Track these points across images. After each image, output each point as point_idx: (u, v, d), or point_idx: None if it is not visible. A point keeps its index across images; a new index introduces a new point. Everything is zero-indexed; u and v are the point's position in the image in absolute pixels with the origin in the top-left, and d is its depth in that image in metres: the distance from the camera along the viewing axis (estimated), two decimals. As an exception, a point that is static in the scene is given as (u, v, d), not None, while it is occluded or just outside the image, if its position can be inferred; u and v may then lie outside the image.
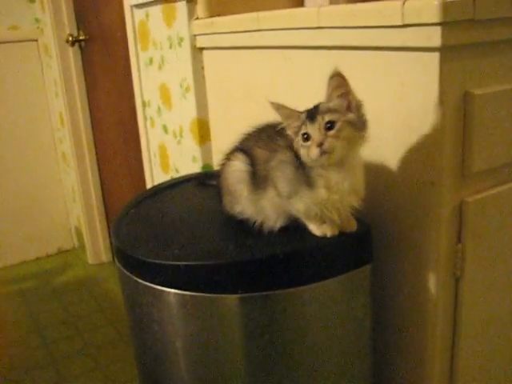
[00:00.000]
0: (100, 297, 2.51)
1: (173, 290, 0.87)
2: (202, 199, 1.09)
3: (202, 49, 1.41)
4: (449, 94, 0.85)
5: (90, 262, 2.89)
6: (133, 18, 1.70)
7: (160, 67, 1.60)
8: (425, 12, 0.80)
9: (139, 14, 1.66)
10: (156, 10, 1.54)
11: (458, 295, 0.96)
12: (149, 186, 1.87)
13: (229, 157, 0.95)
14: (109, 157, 2.57)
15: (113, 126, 2.39)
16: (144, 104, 1.76)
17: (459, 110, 0.86)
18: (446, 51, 0.82)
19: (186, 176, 1.25)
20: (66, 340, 2.19)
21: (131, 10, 1.70)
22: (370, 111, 0.94)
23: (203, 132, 1.47)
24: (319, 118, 0.81)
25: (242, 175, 0.92)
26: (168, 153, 1.67)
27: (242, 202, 0.93)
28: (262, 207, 0.91)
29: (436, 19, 0.78)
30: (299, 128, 0.83)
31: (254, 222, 0.92)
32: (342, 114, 0.82)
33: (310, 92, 1.00)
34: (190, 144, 1.52)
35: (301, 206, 0.86)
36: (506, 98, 0.91)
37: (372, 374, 1.00)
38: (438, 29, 0.79)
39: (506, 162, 0.94)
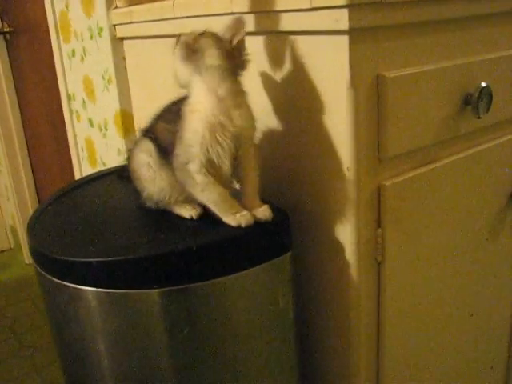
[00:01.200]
0: (37, 297, 2.44)
1: (87, 288, 0.84)
2: (120, 193, 1.06)
3: (122, 39, 1.37)
4: (360, 78, 0.84)
5: (27, 261, 2.81)
6: (53, 9, 1.65)
7: (82, 59, 1.55)
8: (331, -6, 0.78)
9: (59, 4, 1.61)
10: (75, 0, 1.49)
11: (380, 280, 0.96)
12: (78, 181, 1.82)
13: (133, 145, 0.94)
14: (41, 153, 2.50)
15: (43, 121, 2.33)
16: (69, 97, 1.71)
17: (372, 94, 0.86)
18: (355, 34, 0.80)
19: (104, 170, 1.21)
20: (2, 343, 2.13)
21: (51, 1, 1.64)
22: (283, 97, 0.94)
23: (127, 124, 1.43)
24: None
25: (144, 157, 0.91)
26: (95, 147, 1.63)
27: (147, 184, 0.92)
28: (161, 186, 0.91)
29: (342, 1, 0.77)
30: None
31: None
32: None
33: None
34: (115, 137, 1.48)
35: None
36: (418, 81, 0.90)
37: (298, 363, 0.99)
38: (345, 11, 0.78)
39: (421, 144, 0.94)
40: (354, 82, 0.83)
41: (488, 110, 1.00)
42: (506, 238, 1.20)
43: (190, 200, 0.91)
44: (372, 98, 0.86)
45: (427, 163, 0.97)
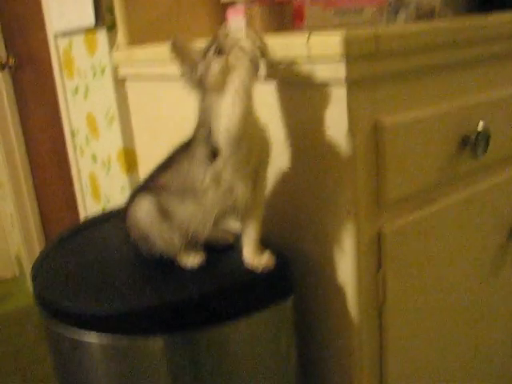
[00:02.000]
0: (41, 326, 2.44)
1: (91, 335, 0.85)
2: (123, 239, 1.06)
3: (124, 78, 1.39)
4: (359, 125, 0.85)
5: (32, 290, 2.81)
6: (57, 47, 1.67)
7: (85, 96, 1.57)
8: (328, 48, 0.80)
9: (63, 42, 1.63)
10: (79, 39, 1.52)
11: (382, 323, 0.97)
12: (82, 215, 1.84)
13: (133, 199, 0.94)
14: (46, 184, 2.52)
15: (48, 153, 2.35)
16: (72, 133, 1.73)
17: (371, 140, 0.87)
18: (352, 84, 0.82)
19: (109, 211, 1.22)
20: (5, 375, 2.13)
21: (55, 39, 1.67)
22: (284, 144, 0.95)
23: (130, 161, 1.45)
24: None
25: (144, 216, 0.90)
26: (98, 182, 1.65)
27: (149, 241, 0.91)
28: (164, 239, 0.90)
29: (340, 54, 0.79)
30: (204, 54, 0.84)
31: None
32: None
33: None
34: (119, 173, 1.50)
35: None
36: (416, 126, 0.92)
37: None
38: (343, 64, 0.80)
39: (420, 188, 0.96)
40: (353, 130, 0.84)
41: (486, 150, 1.01)
42: (507, 273, 1.21)
43: (193, 245, 0.91)
44: (371, 145, 0.87)
45: (427, 205, 0.98)
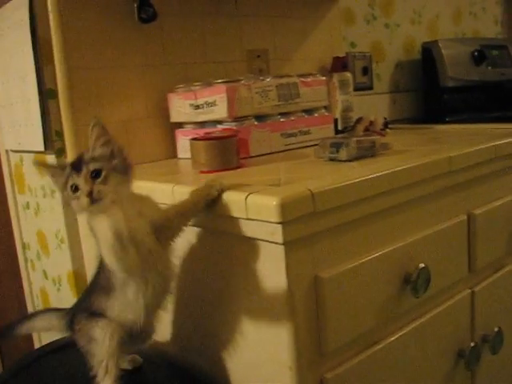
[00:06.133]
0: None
1: None
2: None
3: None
4: (298, 281, 0.86)
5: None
6: (8, 161, 1.68)
7: (36, 213, 1.57)
8: (265, 211, 0.82)
9: (14, 157, 1.64)
10: (29, 158, 1.53)
11: None
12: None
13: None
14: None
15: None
16: (24, 246, 1.72)
17: (310, 294, 0.88)
18: (290, 244, 0.84)
19: (54, 344, 1.19)
20: None
21: (7, 153, 1.67)
22: (225, 293, 0.96)
23: (81, 284, 1.43)
24: (84, 168, 0.82)
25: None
26: (49, 299, 1.63)
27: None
28: None
29: (275, 219, 0.81)
30: (66, 181, 0.83)
31: None
32: (107, 161, 0.83)
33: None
34: (69, 294, 1.48)
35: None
36: (356, 273, 0.94)
37: None
38: (279, 227, 0.82)
39: (362, 331, 0.97)
40: (292, 286, 0.86)
41: (426, 288, 1.04)
42: (456, 398, 1.22)
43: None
44: (311, 299, 0.88)
45: (369, 347, 0.99)
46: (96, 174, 0.82)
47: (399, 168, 0.99)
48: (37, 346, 1.73)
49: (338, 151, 1.12)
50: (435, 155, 1.08)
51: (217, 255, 0.98)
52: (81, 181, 0.82)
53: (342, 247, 0.93)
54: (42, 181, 1.47)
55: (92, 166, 0.82)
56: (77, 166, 0.83)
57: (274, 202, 0.80)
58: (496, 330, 1.28)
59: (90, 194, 0.81)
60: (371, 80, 2.07)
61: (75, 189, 0.82)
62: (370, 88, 2.07)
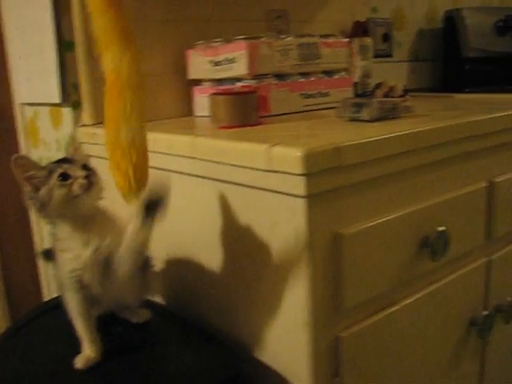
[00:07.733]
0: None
1: None
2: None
3: (88, 156, 1.38)
4: (318, 236, 0.85)
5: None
6: (22, 114, 1.66)
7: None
8: (288, 162, 0.80)
9: (29, 110, 1.62)
10: (44, 111, 1.51)
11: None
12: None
13: None
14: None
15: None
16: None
17: (330, 250, 0.87)
18: (312, 198, 0.82)
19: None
20: None
21: (21, 107, 1.65)
22: (243, 247, 0.95)
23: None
24: (75, 161, 0.85)
25: None
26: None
27: None
28: None
29: (300, 170, 0.79)
30: (49, 174, 0.82)
31: None
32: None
33: (193, 217, 0.99)
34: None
35: None
36: (375, 233, 0.92)
37: None
38: (303, 179, 0.80)
39: (379, 291, 0.96)
40: (312, 241, 0.84)
41: (445, 252, 1.02)
42: (467, 365, 1.21)
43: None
44: (330, 254, 0.87)
45: (385, 308, 0.98)
46: (85, 167, 0.85)
47: (422, 129, 0.97)
48: (46, 298, 1.73)
49: (359, 111, 1.10)
50: (457, 119, 1.06)
51: (237, 209, 0.96)
52: (74, 168, 0.83)
53: (363, 205, 0.91)
54: (57, 134, 1.46)
55: (83, 161, 0.85)
56: (65, 160, 0.86)
57: (299, 153, 0.79)
58: (510, 299, 1.27)
59: (87, 177, 0.83)
60: (391, 47, 2.04)
61: (65, 178, 0.82)
62: (390, 55, 2.04)
